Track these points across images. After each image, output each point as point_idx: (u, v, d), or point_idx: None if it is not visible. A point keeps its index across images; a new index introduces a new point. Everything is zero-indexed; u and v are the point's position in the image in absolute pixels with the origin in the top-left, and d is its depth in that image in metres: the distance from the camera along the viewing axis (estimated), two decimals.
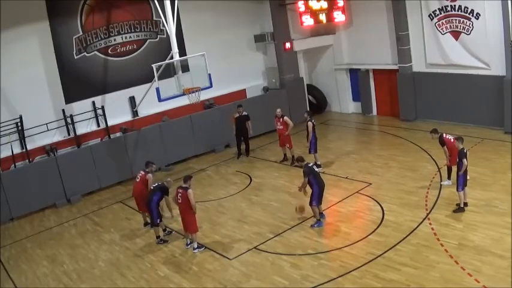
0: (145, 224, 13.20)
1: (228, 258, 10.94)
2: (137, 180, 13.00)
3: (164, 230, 12.53)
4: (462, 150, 11.27)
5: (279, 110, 16.52)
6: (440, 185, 12.90)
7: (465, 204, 11.39)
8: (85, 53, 16.88)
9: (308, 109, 21.49)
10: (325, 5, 18.70)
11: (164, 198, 12.17)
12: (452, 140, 12.62)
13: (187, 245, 11.72)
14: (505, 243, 9.71)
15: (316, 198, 11.63)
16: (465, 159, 11.16)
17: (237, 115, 17.18)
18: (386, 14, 18.80)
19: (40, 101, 15.95)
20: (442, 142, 12.75)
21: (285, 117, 16.42)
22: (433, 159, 14.73)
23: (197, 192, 15.15)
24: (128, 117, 17.98)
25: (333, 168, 15.43)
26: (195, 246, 11.50)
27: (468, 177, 11.64)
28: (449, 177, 12.92)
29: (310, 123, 15.35)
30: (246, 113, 17.26)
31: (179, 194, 11.35)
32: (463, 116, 17.21)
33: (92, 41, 16.95)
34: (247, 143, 17.86)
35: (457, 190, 11.34)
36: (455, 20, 16.69)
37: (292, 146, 16.52)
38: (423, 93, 18.48)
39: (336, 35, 21.14)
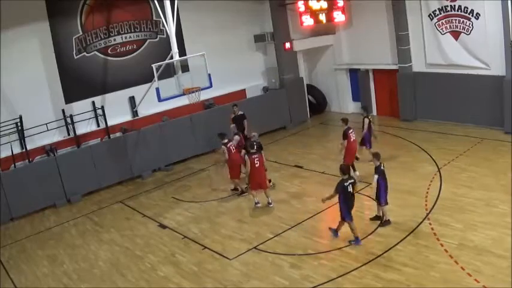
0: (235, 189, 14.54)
1: (228, 258, 10.94)
2: (233, 151, 14.28)
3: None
4: (379, 167, 11.12)
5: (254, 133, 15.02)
6: (440, 186, 12.93)
7: (387, 221, 11.29)
8: (85, 53, 16.88)
9: (308, 109, 21.62)
10: (325, 5, 18.68)
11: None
12: (352, 140, 13.80)
13: (269, 203, 13.18)
14: (505, 243, 9.71)
15: (345, 214, 10.73)
16: (377, 175, 10.98)
17: (233, 115, 17.18)
18: (386, 14, 18.81)
19: (40, 101, 15.96)
20: (345, 136, 13.71)
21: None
22: (433, 159, 14.74)
23: (197, 192, 15.23)
24: (127, 117, 17.98)
25: (333, 168, 15.34)
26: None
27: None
28: (354, 170, 13.78)
29: (366, 120, 14.98)
30: (242, 112, 17.25)
31: (256, 159, 12.92)
32: (463, 116, 17.21)
33: (91, 41, 16.95)
34: (246, 142, 17.84)
35: (380, 204, 11.31)
36: (455, 20, 16.70)
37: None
38: (423, 93, 18.48)
39: (336, 35, 21.15)
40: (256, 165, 12.94)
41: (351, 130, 13.98)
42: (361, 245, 10.57)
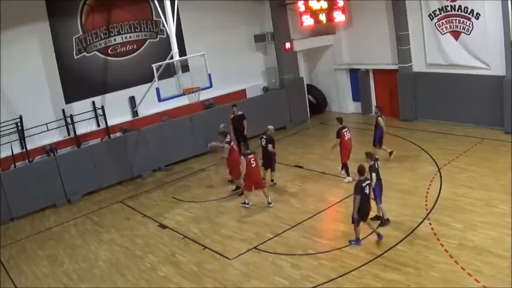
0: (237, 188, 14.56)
1: (228, 258, 10.94)
2: (235, 150, 14.46)
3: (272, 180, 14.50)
4: (373, 166, 11.07)
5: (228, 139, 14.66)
6: (440, 186, 12.92)
7: (386, 220, 11.29)
8: (85, 53, 16.88)
9: (308, 109, 21.62)
10: (325, 5, 18.66)
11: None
12: (346, 138, 14.08)
13: (269, 204, 13.24)
14: (505, 243, 9.71)
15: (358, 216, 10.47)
16: (374, 174, 10.95)
17: (232, 115, 17.19)
18: (387, 14, 18.81)
19: (40, 101, 15.95)
20: (338, 135, 14.05)
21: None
22: (433, 159, 14.74)
23: (197, 192, 15.22)
24: (128, 117, 17.97)
25: (333, 168, 15.38)
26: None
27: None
28: (347, 174, 14.05)
29: (380, 119, 15.02)
30: (242, 113, 17.24)
31: (252, 159, 12.95)
32: (463, 116, 17.21)
33: (92, 41, 16.95)
34: (246, 142, 17.82)
35: (376, 203, 11.30)
36: (455, 20, 16.70)
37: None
38: (423, 93, 18.48)
39: (336, 35, 21.15)
40: (253, 166, 12.97)
41: (345, 129, 14.22)
42: (361, 245, 10.55)
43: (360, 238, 10.64)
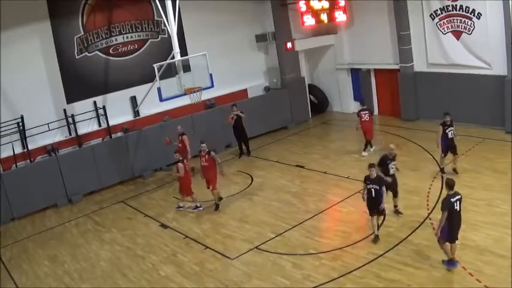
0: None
1: (229, 258, 10.94)
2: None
3: None
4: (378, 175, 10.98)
5: (204, 145, 13.61)
6: (441, 186, 12.89)
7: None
8: (86, 53, 16.89)
9: (309, 108, 21.57)
10: (326, 4, 18.66)
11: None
12: (363, 120, 15.85)
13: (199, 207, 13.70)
14: (506, 243, 9.69)
15: (446, 233, 9.11)
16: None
17: (232, 115, 17.19)
18: (388, 13, 18.80)
19: (41, 101, 15.97)
20: (357, 115, 16.02)
21: (212, 153, 13.51)
22: (435, 159, 14.71)
23: (198, 192, 15.19)
24: (129, 117, 17.98)
25: (334, 168, 15.41)
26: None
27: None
28: (364, 149, 15.97)
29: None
30: (241, 112, 17.26)
31: (186, 164, 13.54)
32: (465, 116, 17.12)
33: (93, 41, 16.96)
34: (247, 142, 17.86)
35: (383, 214, 11.09)
36: (457, 19, 16.69)
37: (215, 186, 13.59)
38: (424, 93, 18.46)
39: (338, 35, 21.15)
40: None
41: (364, 112, 15.91)
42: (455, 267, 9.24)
43: (455, 259, 9.29)
